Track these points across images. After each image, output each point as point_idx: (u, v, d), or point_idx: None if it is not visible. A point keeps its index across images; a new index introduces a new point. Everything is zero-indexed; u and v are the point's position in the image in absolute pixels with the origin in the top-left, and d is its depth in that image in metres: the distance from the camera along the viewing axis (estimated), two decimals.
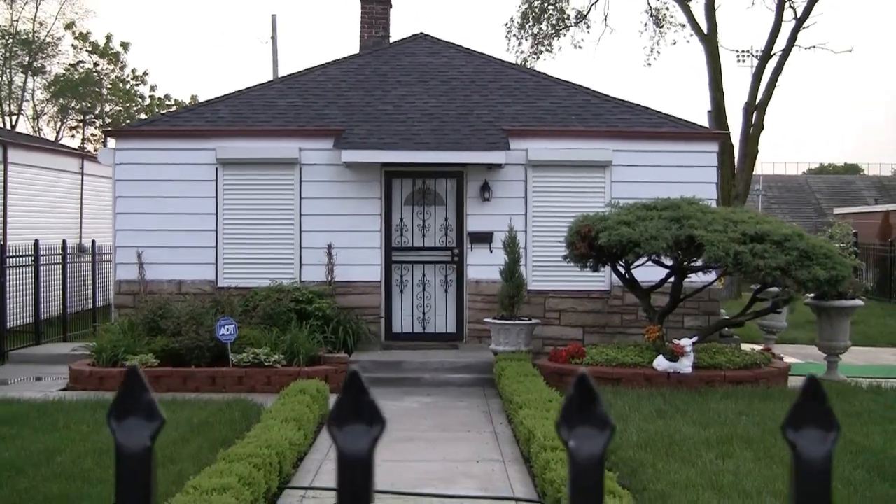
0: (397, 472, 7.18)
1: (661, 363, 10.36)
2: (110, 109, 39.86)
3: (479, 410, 9.99)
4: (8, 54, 37.59)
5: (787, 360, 12.22)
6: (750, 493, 6.13)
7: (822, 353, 11.71)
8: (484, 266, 13.26)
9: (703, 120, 21.18)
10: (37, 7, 38.16)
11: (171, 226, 13.33)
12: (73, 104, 39.32)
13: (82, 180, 20.45)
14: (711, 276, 12.07)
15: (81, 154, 21.94)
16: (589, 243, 10.82)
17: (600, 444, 1.10)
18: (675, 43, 64.08)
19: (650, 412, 8.67)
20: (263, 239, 13.45)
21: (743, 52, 33.74)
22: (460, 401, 10.56)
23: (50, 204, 18.97)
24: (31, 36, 37.63)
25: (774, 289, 10.90)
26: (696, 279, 11.86)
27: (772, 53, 25.23)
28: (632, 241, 10.23)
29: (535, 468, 6.85)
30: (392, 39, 16.43)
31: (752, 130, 24.98)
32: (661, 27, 29.43)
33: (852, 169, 70.72)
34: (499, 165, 13.18)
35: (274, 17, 26.22)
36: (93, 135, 40.15)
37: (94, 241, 17.97)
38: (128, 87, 40.04)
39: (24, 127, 38.40)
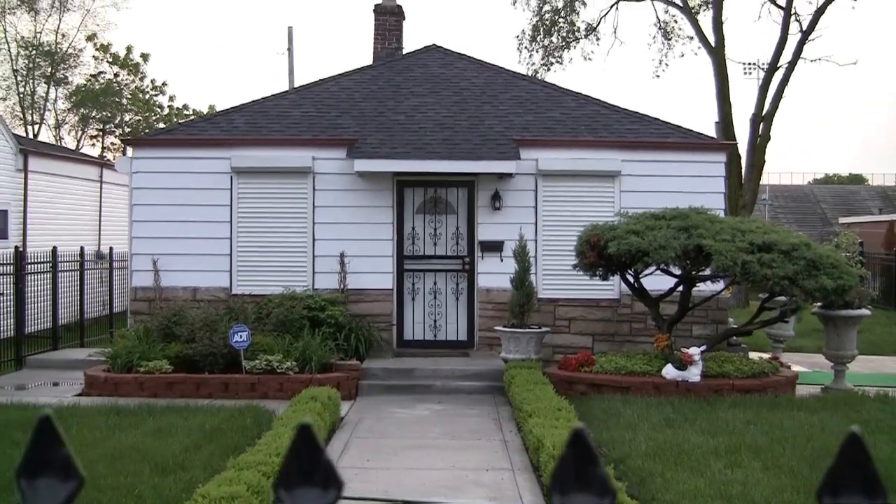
0: (407, 480, 7.29)
1: (669, 372, 10.44)
2: (130, 119, 40.25)
3: (489, 418, 10.07)
4: (31, 65, 38.05)
5: (795, 368, 12.27)
6: (759, 503, 6.17)
7: (830, 362, 11.73)
8: (495, 274, 13.35)
9: (710, 131, 21.19)
10: (59, 19, 38.53)
11: (186, 233, 13.50)
12: (93, 114, 39.71)
13: (101, 188, 20.72)
14: (720, 285, 12.11)
15: (101, 163, 22.23)
16: (598, 252, 10.90)
17: None
18: (682, 55, 64.03)
19: (659, 421, 8.71)
20: (277, 247, 13.60)
21: (750, 64, 33.88)
22: (471, 408, 10.64)
23: (69, 211, 19.24)
24: (53, 47, 38.07)
25: (782, 298, 10.94)
26: (704, 288, 11.91)
27: (778, 66, 25.40)
28: (641, 251, 10.28)
29: (543, 478, 6.90)
30: (405, 51, 16.58)
31: (759, 141, 25.12)
32: (670, 40, 29.73)
33: (857, 179, 70.43)
34: (509, 175, 13.28)
35: (290, 30, 26.29)
36: (113, 144, 40.53)
37: (111, 248, 18.21)
38: (147, 97, 40.44)
39: (45, 136, 38.84)
